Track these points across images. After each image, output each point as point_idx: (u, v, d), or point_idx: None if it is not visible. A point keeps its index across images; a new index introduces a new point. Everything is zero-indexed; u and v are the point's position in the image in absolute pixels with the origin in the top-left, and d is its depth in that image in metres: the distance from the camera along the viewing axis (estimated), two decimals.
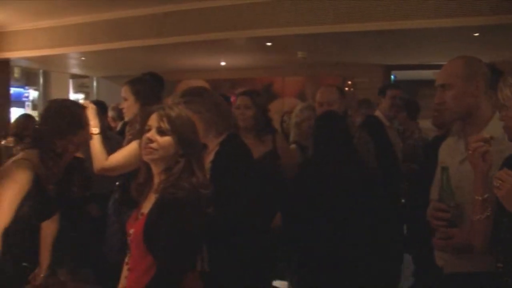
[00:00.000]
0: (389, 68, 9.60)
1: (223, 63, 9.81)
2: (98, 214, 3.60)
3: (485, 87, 2.15)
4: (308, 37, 6.67)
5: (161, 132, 1.98)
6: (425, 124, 4.85)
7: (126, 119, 3.24)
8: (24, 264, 2.53)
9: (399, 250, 4.50)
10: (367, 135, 3.62)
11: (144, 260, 1.93)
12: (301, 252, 3.29)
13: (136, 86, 3.12)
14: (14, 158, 2.48)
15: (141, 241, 1.93)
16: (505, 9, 5.24)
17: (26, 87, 12.39)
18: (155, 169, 2.02)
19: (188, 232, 1.90)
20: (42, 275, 2.63)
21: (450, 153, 2.30)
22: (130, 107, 3.12)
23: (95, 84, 12.48)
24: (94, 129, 2.89)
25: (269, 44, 7.43)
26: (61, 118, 2.48)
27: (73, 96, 12.54)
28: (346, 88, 9.06)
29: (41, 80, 11.95)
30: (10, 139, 6.19)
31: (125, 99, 3.14)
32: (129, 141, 3.05)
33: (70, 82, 12.78)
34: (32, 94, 12.44)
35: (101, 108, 4.92)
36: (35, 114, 9.82)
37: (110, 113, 5.65)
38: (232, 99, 4.62)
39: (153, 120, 2.01)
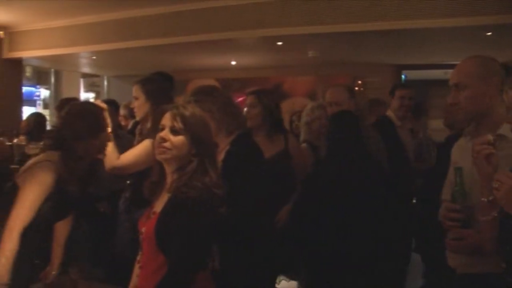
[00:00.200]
0: (400, 68, 9.55)
1: (233, 63, 9.81)
2: (107, 211, 3.60)
3: (500, 87, 2.13)
4: (319, 36, 6.65)
5: (174, 131, 1.98)
6: (436, 124, 4.83)
7: (137, 118, 3.25)
8: (36, 261, 2.55)
9: (406, 250, 4.49)
10: (378, 134, 3.60)
11: (155, 259, 1.93)
12: (311, 251, 3.28)
13: (147, 85, 3.12)
14: (36, 159, 2.48)
15: (153, 240, 1.93)
16: None
17: (38, 86, 12.48)
18: (168, 168, 2.02)
19: (200, 232, 1.89)
20: (53, 273, 2.65)
21: (462, 154, 2.28)
22: (141, 106, 3.12)
23: (105, 83, 12.54)
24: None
25: (280, 43, 7.43)
26: (81, 122, 2.49)
27: (83, 95, 12.62)
28: (356, 88, 9.03)
29: (52, 79, 12.02)
30: (22, 137, 6.24)
31: (136, 98, 3.15)
32: (139, 141, 3.06)
33: (81, 81, 12.85)
34: (43, 93, 12.52)
35: (113, 106, 4.94)
36: (46, 113, 9.91)
37: (122, 111, 5.66)
38: (243, 98, 4.62)
39: (166, 119, 2.01)
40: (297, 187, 3.52)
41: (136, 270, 2.12)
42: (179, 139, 1.97)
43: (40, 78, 12.58)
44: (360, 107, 4.50)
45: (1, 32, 8.96)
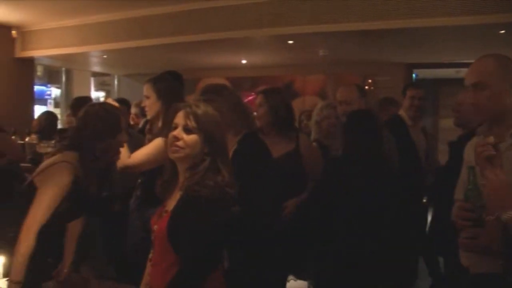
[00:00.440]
0: (411, 67, 9.50)
1: (244, 61, 9.81)
2: (119, 210, 3.61)
3: None
4: (330, 35, 6.63)
5: (187, 130, 1.98)
6: (447, 123, 4.80)
7: (148, 117, 3.25)
8: (50, 260, 2.56)
9: (416, 250, 4.48)
10: (390, 134, 3.58)
11: (167, 257, 1.93)
12: (321, 251, 3.28)
13: (158, 84, 3.12)
14: (52, 160, 2.48)
15: (165, 238, 1.93)
16: None
17: (49, 85, 12.56)
18: (181, 167, 2.02)
19: (212, 231, 1.89)
20: (65, 271, 2.66)
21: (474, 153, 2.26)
22: (152, 105, 3.12)
23: (116, 82, 12.59)
24: None
25: (290, 42, 7.41)
26: (100, 122, 2.49)
27: (94, 94, 12.68)
28: (366, 87, 9.00)
29: (63, 78, 12.10)
30: (33, 136, 6.28)
31: (147, 97, 3.15)
32: (150, 139, 3.06)
33: (92, 80, 12.92)
34: (54, 92, 12.60)
35: (124, 105, 4.97)
36: (57, 112, 9.98)
37: (133, 110, 5.69)
38: (253, 97, 4.62)
39: (179, 118, 2.01)
40: (308, 186, 3.50)
41: (148, 268, 2.13)
42: (192, 137, 1.97)
43: (51, 77, 12.66)
44: (371, 106, 4.49)
45: (14, 32, 9.03)
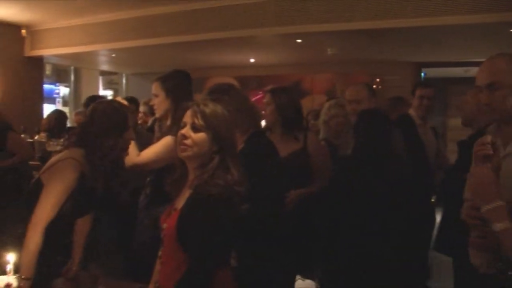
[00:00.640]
0: (420, 66, 9.47)
1: (252, 60, 9.80)
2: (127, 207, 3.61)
3: None
4: (338, 34, 6.62)
5: (195, 128, 1.98)
6: (456, 123, 4.78)
7: (157, 115, 3.26)
8: (59, 258, 2.58)
9: (424, 249, 4.46)
10: (399, 133, 3.57)
11: (176, 255, 1.94)
12: (330, 250, 3.27)
13: (167, 82, 3.13)
14: (59, 157, 2.50)
15: (174, 236, 1.93)
16: None
17: (57, 84, 12.61)
18: (190, 165, 2.02)
19: (220, 229, 1.89)
20: (74, 268, 2.67)
21: None
22: (160, 104, 3.13)
23: (124, 80, 12.62)
24: None
25: (299, 41, 7.40)
26: (107, 119, 2.49)
27: (102, 92, 12.72)
28: (374, 86, 8.97)
29: (72, 77, 12.14)
30: (43, 134, 6.32)
31: (156, 96, 3.15)
32: (159, 138, 3.07)
33: (100, 78, 12.96)
34: (63, 90, 12.65)
35: (133, 104, 4.98)
36: (65, 110, 10.01)
37: (142, 108, 5.70)
38: (261, 96, 4.61)
39: (187, 117, 2.01)
40: (314, 181, 3.48)
41: (157, 266, 2.13)
42: (200, 136, 1.97)
43: (60, 76, 12.72)
44: (380, 105, 4.48)
45: (23, 31, 9.08)
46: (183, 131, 1.99)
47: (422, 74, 9.80)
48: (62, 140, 5.13)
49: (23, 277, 2.21)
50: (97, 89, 12.48)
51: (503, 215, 1.70)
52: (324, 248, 3.39)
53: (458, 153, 3.75)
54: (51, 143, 5.51)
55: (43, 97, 10.06)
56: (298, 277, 3.76)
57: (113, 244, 3.56)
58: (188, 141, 1.97)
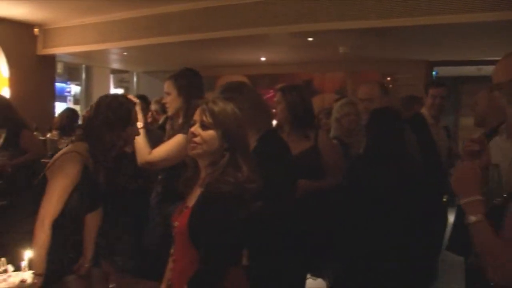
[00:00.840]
0: (432, 64, 9.40)
1: (263, 59, 9.79)
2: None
3: None
4: (350, 32, 6.58)
5: (204, 126, 1.98)
6: (468, 122, 4.75)
7: (169, 113, 3.26)
8: (70, 254, 2.59)
9: (436, 249, 4.44)
10: (412, 132, 3.55)
11: (188, 253, 1.94)
12: (343, 249, 3.26)
13: (179, 80, 3.13)
14: (63, 151, 2.53)
15: (186, 234, 1.94)
16: None
17: (68, 82, 12.68)
18: (201, 163, 2.03)
19: (231, 227, 1.89)
20: (86, 265, 2.68)
21: (498, 152, 2.23)
22: (173, 102, 3.13)
23: (135, 79, 12.67)
24: (138, 123, 2.93)
25: (310, 39, 7.38)
26: (111, 112, 2.50)
27: (113, 90, 12.78)
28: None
29: (83, 75, 12.21)
30: (55, 132, 6.36)
31: (168, 94, 3.16)
32: (171, 136, 3.08)
33: (111, 77, 13.02)
34: (74, 89, 12.72)
35: (144, 102, 5.00)
36: (76, 108, 10.07)
37: (153, 107, 5.72)
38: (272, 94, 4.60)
39: (197, 115, 2.02)
40: (327, 181, 3.47)
41: (170, 264, 2.13)
42: (208, 133, 1.98)
43: (71, 74, 12.79)
44: (392, 103, 4.46)
45: (36, 30, 9.13)
46: (192, 129, 2.00)
47: (434, 72, 9.72)
48: (73, 137, 5.17)
49: (36, 273, 2.22)
50: (108, 87, 12.53)
51: (478, 209, 1.76)
52: (335, 247, 3.37)
53: None
54: (62, 141, 5.55)
55: (55, 95, 10.12)
56: (308, 275, 3.75)
57: (126, 241, 3.57)
58: (197, 139, 1.98)
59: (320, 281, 3.97)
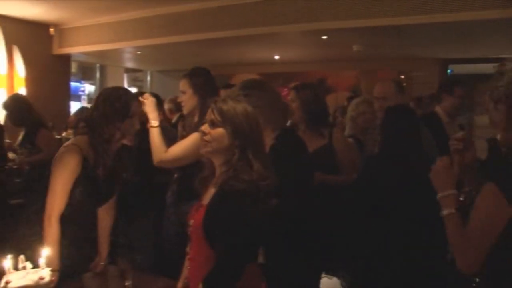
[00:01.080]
0: (446, 62, 9.33)
1: (277, 57, 9.78)
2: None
3: None
4: (364, 30, 6.56)
5: (213, 124, 1.99)
6: (483, 121, 4.69)
7: (185, 112, 3.27)
8: (85, 252, 2.61)
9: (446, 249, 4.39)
10: (428, 130, 3.52)
11: (204, 251, 1.94)
12: (358, 249, 3.24)
13: (194, 79, 3.13)
14: (64, 144, 2.57)
15: (201, 232, 1.94)
16: None
17: (82, 81, 12.78)
18: (215, 162, 2.04)
19: (247, 224, 1.89)
20: (102, 263, 2.70)
21: None
22: (188, 100, 3.14)
23: (148, 78, 12.73)
24: (154, 121, 2.94)
25: (324, 37, 7.36)
26: (109, 104, 2.53)
27: None
28: None
29: (97, 74, 12.29)
30: (70, 131, 6.41)
31: (183, 92, 3.16)
32: (183, 135, 3.08)
33: (125, 76, 13.09)
34: (88, 88, 12.82)
35: (157, 100, 5.01)
36: None
37: (167, 105, 5.74)
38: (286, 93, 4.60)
39: (208, 114, 2.04)
40: (342, 176, 3.46)
41: (186, 262, 2.14)
42: (217, 131, 1.98)
43: (85, 73, 12.89)
44: (408, 102, 4.43)
45: (52, 29, 9.21)
46: (203, 127, 2.02)
47: (449, 70, 9.65)
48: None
49: (52, 269, 2.24)
50: (122, 86, 12.58)
51: (451, 203, 1.92)
52: (350, 247, 3.36)
53: (488, 150, 3.68)
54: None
55: (70, 94, 10.21)
56: (323, 274, 3.74)
57: (142, 239, 3.59)
58: (207, 137, 1.99)
59: (335, 280, 3.96)
